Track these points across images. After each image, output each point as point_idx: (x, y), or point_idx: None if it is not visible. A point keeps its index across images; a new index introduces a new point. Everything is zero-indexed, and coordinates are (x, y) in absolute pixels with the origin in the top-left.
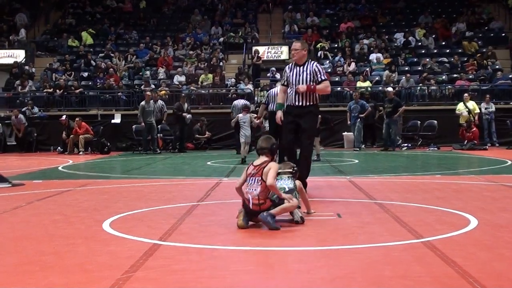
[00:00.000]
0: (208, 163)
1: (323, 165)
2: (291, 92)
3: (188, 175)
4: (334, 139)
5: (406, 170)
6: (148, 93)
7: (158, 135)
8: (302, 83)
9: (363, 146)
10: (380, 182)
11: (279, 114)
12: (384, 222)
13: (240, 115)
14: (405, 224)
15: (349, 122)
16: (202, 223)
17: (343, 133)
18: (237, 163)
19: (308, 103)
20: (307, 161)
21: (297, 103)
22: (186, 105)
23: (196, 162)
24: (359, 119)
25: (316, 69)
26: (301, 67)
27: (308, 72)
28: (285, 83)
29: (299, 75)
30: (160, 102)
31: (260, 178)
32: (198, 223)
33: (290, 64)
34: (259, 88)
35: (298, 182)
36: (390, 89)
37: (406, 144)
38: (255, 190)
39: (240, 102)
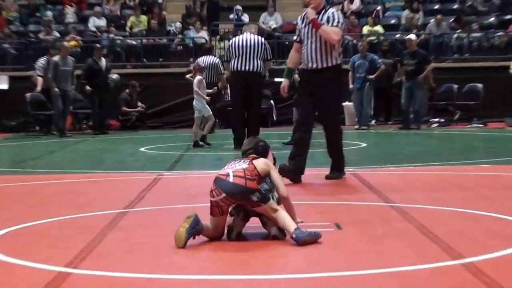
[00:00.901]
0: (142, 149)
1: (314, 151)
2: (305, 51)
3: (112, 168)
4: None
5: (436, 158)
6: (66, 43)
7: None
8: (318, 40)
9: (373, 122)
10: (399, 176)
11: (285, 83)
12: (405, 236)
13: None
14: (436, 238)
15: (351, 86)
16: (132, 240)
17: (343, 103)
18: (185, 149)
19: (325, 65)
20: (336, 144)
21: (311, 65)
22: (103, 62)
23: (123, 149)
24: (367, 83)
25: (331, 16)
26: (317, 17)
27: (324, 21)
28: (298, 39)
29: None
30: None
31: (249, 161)
32: (126, 240)
33: (302, 14)
34: (218, 37)
35: None
36: (412, 37)
37: (437, 119)
38: (240, 165)
39: (205, 60)
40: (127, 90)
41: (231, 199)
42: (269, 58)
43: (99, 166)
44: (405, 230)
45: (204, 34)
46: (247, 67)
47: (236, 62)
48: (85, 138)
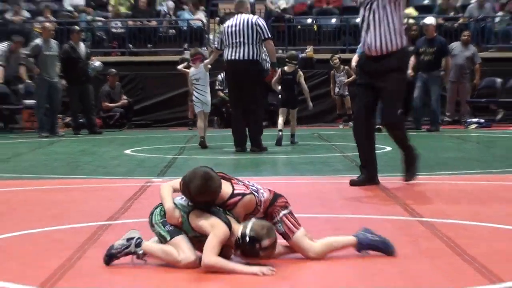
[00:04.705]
0: (127, 151)
1: (329, 156)
2: (363, 35)
3: (92, 174)
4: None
5: (474, 165)
6: (49, 24)
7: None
8: (376, 26)
9: None
10: (429, 186)
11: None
12: (435, 256)
13: (192, 69)
14: (472, 258)
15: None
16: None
17: None
18: (178, 151)
19: (389, 49)
20: (403, 145)
21: (371, 51)
22: (82, 47)
23: (105, 151)
24: None
25: None
26: None
27: (382, 3)
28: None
29: (370, 10)
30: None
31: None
32: None
33: None
34: (217, 19)
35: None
36: (428, 21)
37: (475, 120)
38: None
39: None
40: (108, 82)
41: None
42: (266, 37)
43: (77, 171)
44: (436, 249)
45: (201, 15)
46: (238, 56)
47: (227, 51)
48: (60, 139)
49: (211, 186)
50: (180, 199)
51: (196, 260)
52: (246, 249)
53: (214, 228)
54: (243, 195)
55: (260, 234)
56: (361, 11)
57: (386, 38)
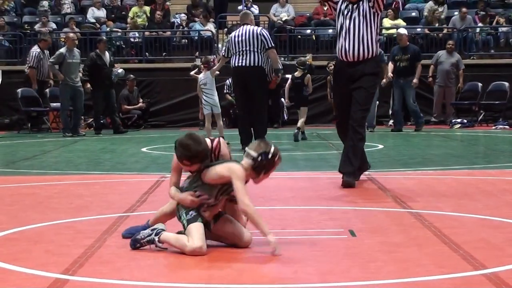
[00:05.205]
0: (144, 149)
1: (327, 153)
2: (341, 41)
3: (111, 170)
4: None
5: (458, 162)
6: (72, 35)
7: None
8: (355, 33)
9: (390, 122)
10: (418, 180)
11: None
12: (425, 244)
13: (201, 75)
14: (457, 246)
15: None
16: None
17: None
18: None
19: (365, 55)
20: (355, 138)
21: (348, 57)
22: (107, 56)
23: (124, 149)
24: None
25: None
26: (354, 5)
27: (363, 13)
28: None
29: (351, 19)
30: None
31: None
32: (126, 246)
33: (340, 2)
34: (226, 30)
35: None
36: (402, 31)
37: (459, 120)
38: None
39: None
40: (127, 87)
41: None
42: (269, 46)
43: (98, 167)
44: (424, 238)
45: (210, 26)
46: (244, 62)
47: (234, 58)
48: (82, 138)
49: (200, 138)
50: (183, 185)
51: (202, 247)
52: (265, 165)
53: (231, 171)
54: (217, 136)
55: (262, 148)
56: (340, 18)
57: (363, 45)
